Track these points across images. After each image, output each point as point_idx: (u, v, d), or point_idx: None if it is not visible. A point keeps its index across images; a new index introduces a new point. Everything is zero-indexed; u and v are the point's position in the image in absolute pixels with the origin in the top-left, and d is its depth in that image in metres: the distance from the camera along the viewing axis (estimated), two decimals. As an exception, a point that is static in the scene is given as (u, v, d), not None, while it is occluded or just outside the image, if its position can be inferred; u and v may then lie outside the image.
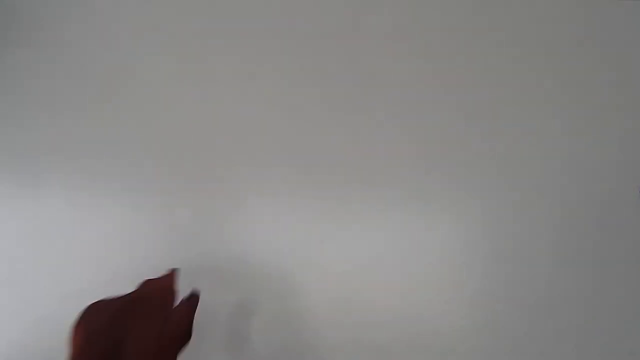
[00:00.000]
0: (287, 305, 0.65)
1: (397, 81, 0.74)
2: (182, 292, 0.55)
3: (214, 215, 0.68)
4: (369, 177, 0.69)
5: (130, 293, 0.45)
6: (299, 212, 0.68)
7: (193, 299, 0.51)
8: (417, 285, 0.65)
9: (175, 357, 0.44)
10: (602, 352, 0.63)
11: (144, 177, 0.69)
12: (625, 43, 0.76)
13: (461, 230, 0.67)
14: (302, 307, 0.65)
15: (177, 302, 0.49)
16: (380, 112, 0.71)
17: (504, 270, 0.65)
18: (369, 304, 0.65)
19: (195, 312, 0.50)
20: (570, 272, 0.65)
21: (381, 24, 0.78)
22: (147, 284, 0.48)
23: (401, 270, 0.66)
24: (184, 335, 0.46)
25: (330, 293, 0.65)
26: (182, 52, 0.77)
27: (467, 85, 0.74)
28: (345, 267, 0.66)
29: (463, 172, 0.69)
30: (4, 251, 0.66)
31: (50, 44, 0.78)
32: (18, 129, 0.72)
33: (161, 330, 0.42)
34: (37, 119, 0.73)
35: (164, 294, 0.47)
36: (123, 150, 0.70)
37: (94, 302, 0.43)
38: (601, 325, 0.63)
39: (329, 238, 0.67)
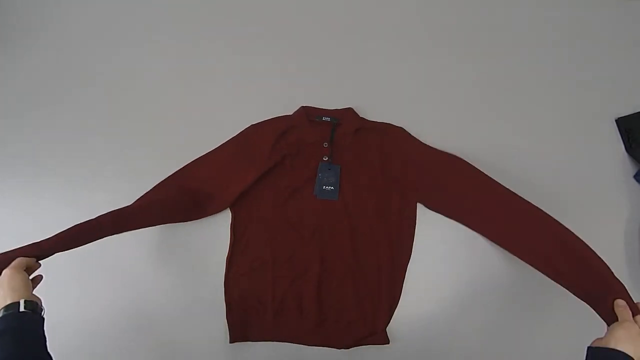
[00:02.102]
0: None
1: (396, 79, 0.75)
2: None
3: (214, 215, 0.68)
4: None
5: None
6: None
7: None
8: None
9: None
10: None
11: (145, 178, 0.68)
12: (626, 43, 0.76)
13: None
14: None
15: None
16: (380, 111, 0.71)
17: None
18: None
19: None
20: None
21: (383, 22, 0.78)
22: None
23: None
24: None
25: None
26: (182, 52, 0.77)
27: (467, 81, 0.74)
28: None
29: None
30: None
31: (50, 44, 0.78)
32: (18, 129, 0.72)
33: None
34: (37, 119, 0.73)
35: None
36: (123, 150, 0.70)
37: None
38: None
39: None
